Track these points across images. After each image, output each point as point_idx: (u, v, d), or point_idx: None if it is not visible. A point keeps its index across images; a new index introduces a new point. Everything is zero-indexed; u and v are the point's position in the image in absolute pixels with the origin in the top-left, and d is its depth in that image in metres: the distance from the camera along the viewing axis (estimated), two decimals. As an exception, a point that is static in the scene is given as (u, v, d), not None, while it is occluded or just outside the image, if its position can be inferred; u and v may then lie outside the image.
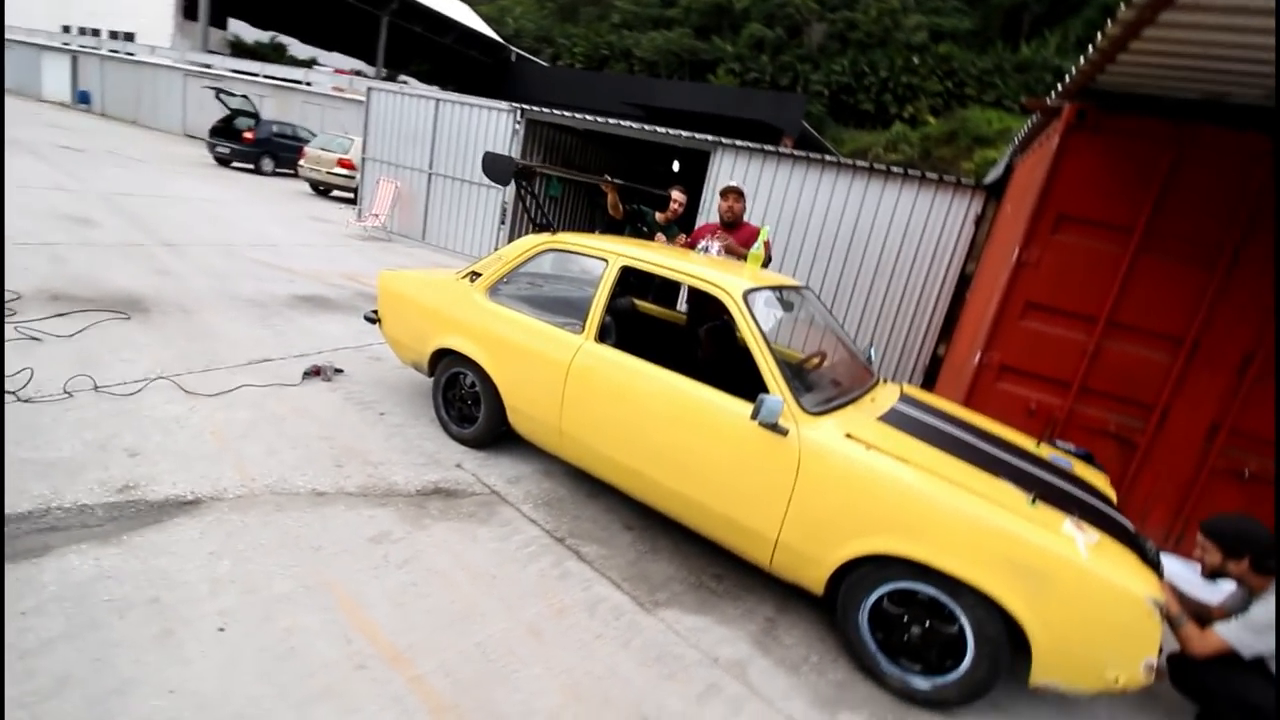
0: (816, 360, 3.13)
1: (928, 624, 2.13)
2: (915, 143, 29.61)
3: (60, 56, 22.78)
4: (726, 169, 7.16)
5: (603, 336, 2.91)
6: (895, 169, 6.43)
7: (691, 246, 4.10)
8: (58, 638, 1.76)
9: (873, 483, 2.15)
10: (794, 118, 28.44)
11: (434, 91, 11.76)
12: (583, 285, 3.30)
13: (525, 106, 8.28)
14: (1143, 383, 3.69)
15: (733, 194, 4.06)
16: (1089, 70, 3.12)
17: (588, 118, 7.87)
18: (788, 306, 3.24)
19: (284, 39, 32.84)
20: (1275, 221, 3.28)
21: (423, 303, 3.47)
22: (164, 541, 2.22)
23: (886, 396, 2.86)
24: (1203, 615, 2.32)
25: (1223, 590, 2.40)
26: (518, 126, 8.35)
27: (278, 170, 14.71)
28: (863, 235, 6.53)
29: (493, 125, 8.56)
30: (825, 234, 6.69)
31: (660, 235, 4.40)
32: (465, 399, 3.34)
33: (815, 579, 2.32)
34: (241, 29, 30.74)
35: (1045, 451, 2.83)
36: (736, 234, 4.06)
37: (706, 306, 3.38)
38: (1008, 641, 1.99)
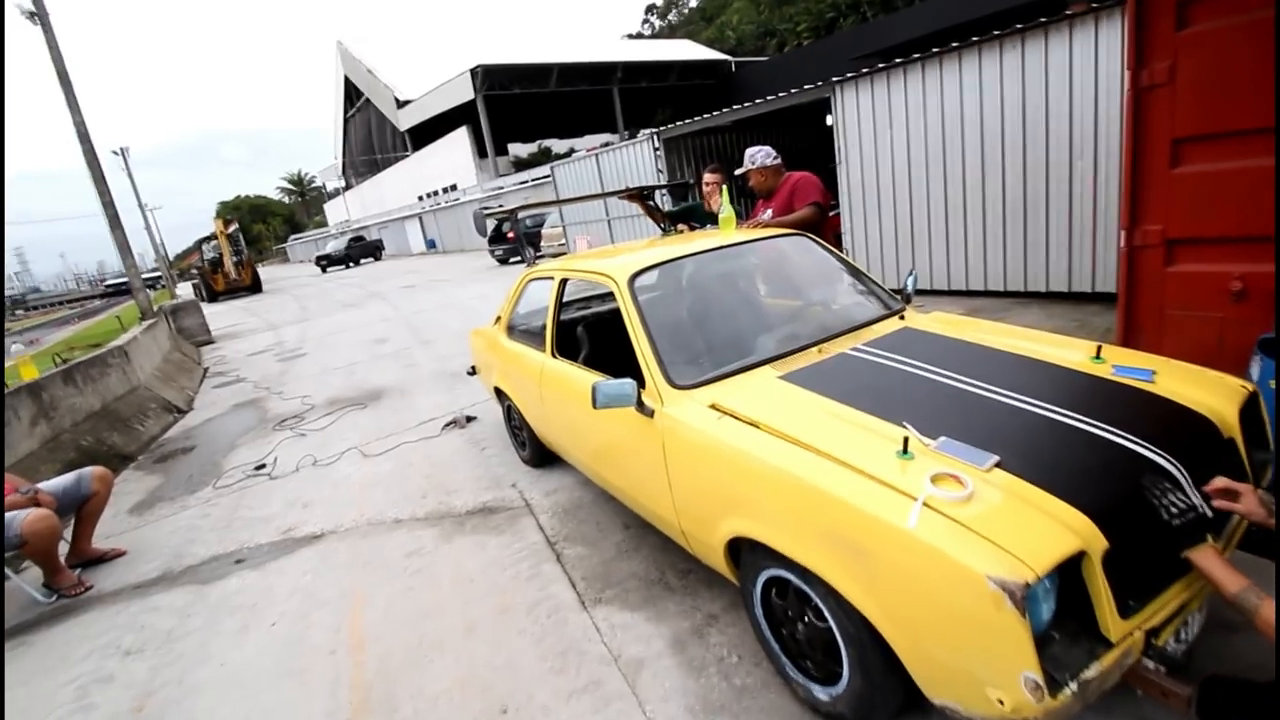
0: (784, 309, 2.74)
1: (806, 619, 1.73)
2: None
3: (414, 220, 32.02)
4: (851, 107, 6.35)
5: (565, 350, 3.06)
6: (1030, 25, 4.89)
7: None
8: (193, 631, 2.74)
9: (714, 454, 1.88)
10: (1078, -28, 22.53)
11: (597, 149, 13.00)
12: (568, 307, 3.49)
13: (659, 130, 8.65)
14: None
15: (754, 172, 3.73)
16: None
17: (709, 115, 7.83)
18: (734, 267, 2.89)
19: (547, 142, 39.81)
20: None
21: (480, 351, 4.10)
22: (286, 565, 3.18)
23: (865, 336, 2.35)
24: None
25: None
26: (657, 149, 8.76)
27: (537, 255, 17.88)
28: (1035, 118, 5.08)
29: (639, 156, 9.15)
30: (988, 136, 5.39)
31: (683, 227, 4.18)
32: (518, 425, 3.80)
33: (722, 567, 2.06)
34: (517, 148, 38.37)
35: (1104, 368, 1.93)
36: (774, 199, 3.68)
37: None
38: (872, 642, 1.50)
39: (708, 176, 4.22)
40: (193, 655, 2.56)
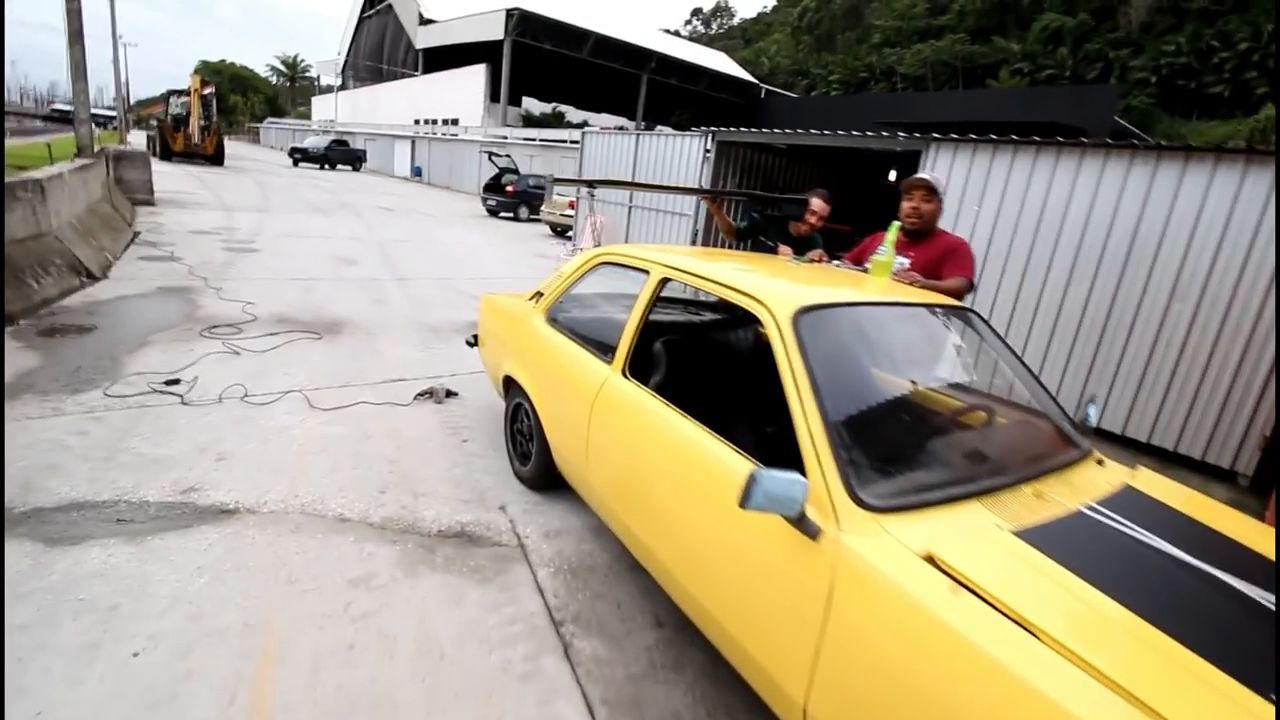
0: (976, 417, 2.07)
1: None
2: (1297, 128, 21.76)
3: (404, 143, 30.10)
4: (943, 170, 5.80)
5: (640, 368, 2.29)
6: (1169, 147, 4.48)
7: (857, 263, 2.94)
8: (16, 627, 1.82)
9: (948, 651, 1.17)
10: (1102, 114, 23.51)
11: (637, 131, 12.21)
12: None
13: (716, 130, 7.94)
14: None
15: (919, 190, 2.81)
16: None
17: (776, 131, 7.18)
18: (924, 334, 2.21)
19: (563, 108, 38.39)
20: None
21: (497, 326, 3.27)
22: (174, 548, 2.27)
23: (1083, 486, 1.69)
24: None
25: None
26: (708, 151, 8.04)
27: (531, 217, 16.83)
28: (1147, 240, 4.65)
29: (686, 152, 8.41)
30: (1088, 243, 4.94)
31: (786, 250, 3.47)
32: (525, 433, 3.00)
33: (861, 790, 1.36)
34: (531, 104, 36.81)
35: None
36: (921, 248, 2.83)
37: None
38: None
39: (817, 204, 3.55)
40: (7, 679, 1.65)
